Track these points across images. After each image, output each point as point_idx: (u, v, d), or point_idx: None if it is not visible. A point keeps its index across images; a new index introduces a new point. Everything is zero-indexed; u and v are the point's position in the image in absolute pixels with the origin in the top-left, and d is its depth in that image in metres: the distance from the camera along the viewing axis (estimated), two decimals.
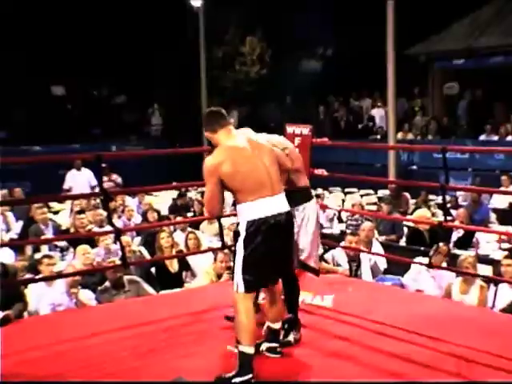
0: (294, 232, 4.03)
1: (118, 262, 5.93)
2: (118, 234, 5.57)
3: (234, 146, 3.82)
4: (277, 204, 3.80)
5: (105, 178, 12.59)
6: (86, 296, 5.89)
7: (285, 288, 4.36)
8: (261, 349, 4.11)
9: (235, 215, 8.84)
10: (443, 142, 12.30)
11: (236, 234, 3.85)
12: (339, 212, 10.41)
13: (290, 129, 6.10)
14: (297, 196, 4.35)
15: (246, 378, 3.71)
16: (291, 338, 4.40)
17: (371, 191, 13.79)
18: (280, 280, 4.17)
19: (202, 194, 12.67)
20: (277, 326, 4.17)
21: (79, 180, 11.78)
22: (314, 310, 5.06)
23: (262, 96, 20.61)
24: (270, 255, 3.77)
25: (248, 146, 3.82)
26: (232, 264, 4.20)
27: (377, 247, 7.54)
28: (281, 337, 4.28)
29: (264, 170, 3.79)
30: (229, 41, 21.52)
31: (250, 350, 3.76)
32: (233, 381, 3.72)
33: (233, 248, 4.08)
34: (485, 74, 16.64)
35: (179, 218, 9.11)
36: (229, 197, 4.20)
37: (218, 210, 3.94)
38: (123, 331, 4.67)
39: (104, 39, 18.78)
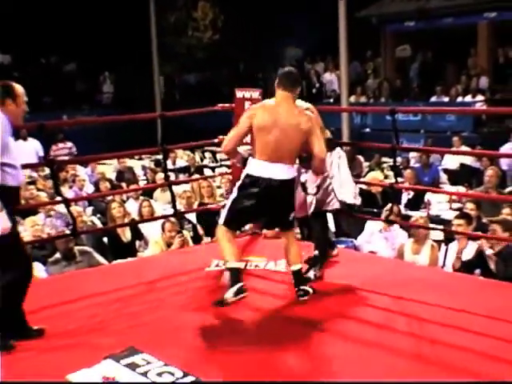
0: (287, 196, 4.38)
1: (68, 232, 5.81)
2: (66, 203, 5.45)
3: (270, 108, 4.33)
4: (275, 170, 4.25)
5: (60, 145, 12.41)
6: (36, 268, 5.76)
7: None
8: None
9: (187, 182, 8.76)
10: (395, 105, 12.31)
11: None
12: None
13: (239, 93, 6.05)
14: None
15: (236, 287, 4.16)
16: (311, 274, 4.80)
17: None
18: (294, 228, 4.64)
19: (155, 161, 12.54)
20: (295, 267, 4.50)
21: (25, 151, 11.33)
22: (269, 275, 5.04)
23: (216, 62, 20.39)
24: (254, 207, 4.28)
25: (276, 115, 4.27)
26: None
27: None
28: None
29: (276, 140, 4.23)
30: (181, 6, 21.18)
31: (236, 264, 4.25)
32: (225, 295, 4.16)
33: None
34: (436, 36, 16.73)
35: (133, 187, 8.99)
36: None
37: (231, 149, 4.45)
38: (74, 303, 4.57)
39: (51, 5, 18.25)
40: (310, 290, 4.48)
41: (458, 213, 6.49)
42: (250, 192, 4.28)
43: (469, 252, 5.72)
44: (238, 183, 4.39)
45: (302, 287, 4.47)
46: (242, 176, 4.37)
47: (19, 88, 3.88)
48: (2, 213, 3.60)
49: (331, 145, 5.01)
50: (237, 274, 4.23)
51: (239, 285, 4.19)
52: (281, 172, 4.28)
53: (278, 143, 4.25)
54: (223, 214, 4.41)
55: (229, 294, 4.17)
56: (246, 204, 4.30)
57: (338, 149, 5.13)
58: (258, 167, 4.29)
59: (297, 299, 4.43)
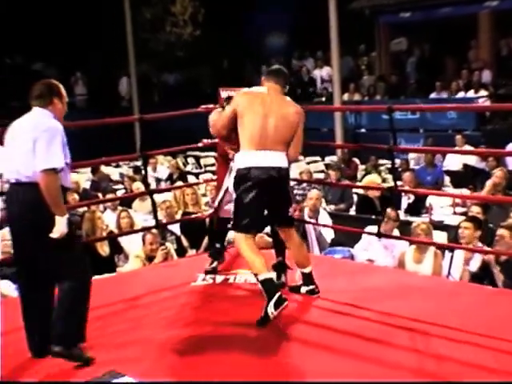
0: (285, 187, 4.56)
1: None
2: None
3: (256, 95, 4.54)
4: (269, 159, 4.35)
5: None
6: (6, 287, 5.72)
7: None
8: (301, 292, 4.78)
9: (169, 190, 8.75)
10: (392, 102, 12.37)
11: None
12: None
13: (223, 93, 6.03)
14: None
15: (275, 298, 4.18)
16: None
17: (318, 158, 13.85)
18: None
19: (134, 168, 12.52)
20: (307, 270, 4.74)
21: None
22: (256, 288, 5.02)
23: (197, 59, 20.38)
24: (258, 202, 4.36)
25: (266, 102, 4.45)
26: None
27: (324, 217, 7.56)
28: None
29: (265, 127, 4.36)
30: (158, 0, 21.15)
31: (269, 275, 4.32)
32: (268, 309, 4.19)
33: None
34: (433, 27, 16.76)
35: (109, 197, 8.95)
36: None
37: (221, 132, 4.73)
38: None
39: (16, 1, 18.20)
40: (317, 291, 4.77)
41: (462, 217, 6.50)
42: (249, 185, 4.33)
43: (475, 262, 5.70)
44: (232, 182, 4.47)
45: (310, 287, 4.76)
46: (234, 173, 4.45)
47: (62, 87, 4.07)
48: (65, 217, 3.74)
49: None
50: (271, 285, 4.28)
51: (277, 295, 4.20)
52: (276, 160, 4.38)
53: (269, 130, 4.37)
54: (233, 220, 4.44)
55: (270, 309, 4.19)
56: (252, 199, 4.34)
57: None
58: (250, 157, 4.35)
59: (288, 313, 4.42)
